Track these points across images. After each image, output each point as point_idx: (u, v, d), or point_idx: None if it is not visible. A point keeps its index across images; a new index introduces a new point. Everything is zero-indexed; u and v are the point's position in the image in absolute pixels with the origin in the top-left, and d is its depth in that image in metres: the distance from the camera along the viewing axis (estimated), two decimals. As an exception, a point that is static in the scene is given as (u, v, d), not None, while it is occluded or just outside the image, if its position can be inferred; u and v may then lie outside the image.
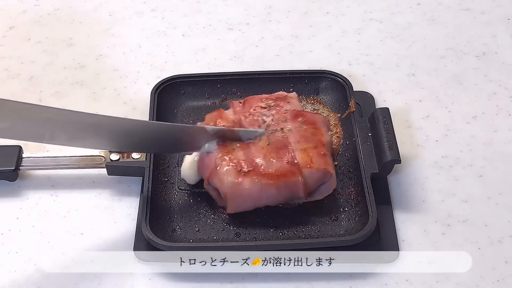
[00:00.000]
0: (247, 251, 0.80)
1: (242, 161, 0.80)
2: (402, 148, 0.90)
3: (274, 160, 0.80)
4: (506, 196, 0.87)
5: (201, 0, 1.16)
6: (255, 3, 1.15)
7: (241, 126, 0.85)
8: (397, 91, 1.00)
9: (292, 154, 0.81)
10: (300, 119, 0.85)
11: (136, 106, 0.98)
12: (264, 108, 0.87)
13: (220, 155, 0.81)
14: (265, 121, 0.85)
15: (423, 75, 1.03)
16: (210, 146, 0.83)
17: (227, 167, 0.80)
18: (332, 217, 0.83)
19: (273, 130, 0.84)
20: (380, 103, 0.98)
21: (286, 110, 0.86)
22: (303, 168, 0.80)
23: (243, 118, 0.86)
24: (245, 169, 0.79)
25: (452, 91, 1.00)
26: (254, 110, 0.87)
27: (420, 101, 0.99)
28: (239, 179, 0.79)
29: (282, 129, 0.84)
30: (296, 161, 0.80)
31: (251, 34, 1.10)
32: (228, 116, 0.87)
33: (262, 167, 0.80)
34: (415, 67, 1.04)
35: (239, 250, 0.80)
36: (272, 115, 0.86)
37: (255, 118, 0.86)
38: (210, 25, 1.11)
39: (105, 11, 1.14)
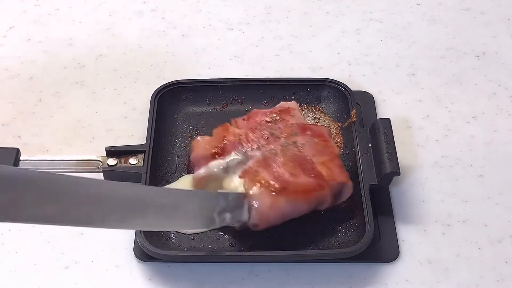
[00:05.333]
0: (242, 262, 0.80)
1: (271, 181, 0.78)
2: (402, 148, 0.90)
3: (302, 175, 0.79)
4: (506, 196, 0.87)
5: (201, 0, 1.16)
6: (255, 3, 1.15)
7: (248, 141, 0.84)
8: (397, 91, 1.00)
9: (317, 168, 0.80)
10: (308, 132, 0.85)
11: (136, 106, 0.98)
12: (270, 122, 0.86)
13: (247, 180, 0.79)
14: (273, 134, 0.84)
15: (423, 75, 1.03)
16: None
17: (260, 191, 0.78)
18: (329, 228, 0.82)
19: (286, 143, 0.83)
20: (380, 103, 0.98)
21: (292, 123, 0.86)
22: (328, 181, 0.80)
23: (250, 133, 0.84)
24: (278, 188, 0.78)
25: (452, 91, 1.00)
26: (260, 125, 0.86)
27: (420, 101, 0.99)
28: (275, 200, 0.77)
29: (295, 142, 0.83)
30: (322, 174, 0.80)
31: (251, 34, 1.10)
32: (234, 131, 0.85)
33: (293, 183, 0.79)
34: (415, 67, 1.04)
35: (234, 261, 0.80)
36: (280, 128, 0.85)
37: (262, 132, 0.84)
38: (210, 25, 1.11)
39: (105, 11, 1.14)
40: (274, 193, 0.77)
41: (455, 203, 0.86)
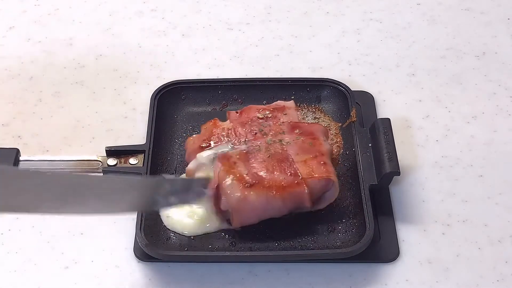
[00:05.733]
0: (242, 262, 0.80)
1: (245, 175, 0.80)
2: (402, 148, 0.90)
3: (277, 173, 0.80)
4: (506, 196, 0.87)
5: (201, 0, 1.16)
6: (255, 3, 1.15)
7: (236, 135, 0.85)
8: (397, 91, 1.00)
9: (295, 165, 0.80)
10: (297, 130, 0.85)
11: (135, 106, 0.98)
12: (261, 118, 0.87)
13: (223, 170, 0.80)
14: (262, 130, 0.85)
15: (423, 75, 1.03)
16: (211, 162, 0.82)
17: (231, 182, 0.79)
18: (329, 228, 0.82)
19: (271, 140, 0.84)
20: (380, 103, 0.98)
21: (282, 122, 0.86)
22: (306, 179, 0.80)
23: (239, 127, 0.85)
24: (250, 183, 0.79)
25: (452, 91, 1.00)
26: (251, 120, 0.86)
27: (420, 101, 0.99)
28: (245, 193, 0.78)
29: (280, 140, 0.84)
30: (299, 172, 0.80)
31: (251, 34, 1.09)
32: (222, 126, 0.86)
33: (266, 180, 0.79)
34: (415, 67, 1.04)
35: (234, 261, 0.80)
36: (269, 126, 0.86)
37: (251, 128, 0.85)
38: (210, 25, 1.11)
39: (105, 11, 1.14)
40: (244, 187, 0.78)
41: (455, 203, 0.86)
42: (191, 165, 0.84)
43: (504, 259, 0.81)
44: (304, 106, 0.95)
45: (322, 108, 0.95)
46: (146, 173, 0.85)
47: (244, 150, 0.83)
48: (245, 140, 0.84)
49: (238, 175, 0.79)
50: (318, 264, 0.80)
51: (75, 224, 0.85)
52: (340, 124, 0.93)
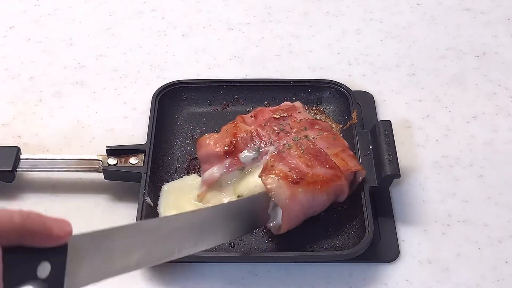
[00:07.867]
0: (241, 262, 0.80)
1: (288, 172, 0.78)
2: (402, 148, 0.90)
3: (318, 167, 0.80)
4: (506, 196, 0.87)
5: (201, 0, 1.16)
6: (255, 3, 1.15)
7: (259, 136, 0.84)
8: (397, 91, 1.00)
9: (331, 159, 0.81)
10: (317, 126, 0.86)
11: (136, 106, 0.98)
12: (278, 119, 0.86)
13: (263, 175, 0.79)
14: (283, 130, 0.85)
15: (423, 75, 1.03)
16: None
17: (277, 182, 0.77)
18: (328, 230, 0.82)
19: (297, 137, 0.83)
20: (380, 103, 0.98)
21: (300, 119, 0.87)
22: (344, 171, 0.80)
23: (260, 129, 0.85)
24: (296, 179, 0.78)
25: (452, 91, 1.00)
26: (268, 121, 0.86)
27: (420, 101, 0.99)
28: (293, 191, 0.77)
29: (306, 136, 0.84)
30: (338, 165, 0.80)
31: (251, 34, 1.10)
32: (244, 128, 0.86)
33: (310, 174, 0.79)
34: (415, 67, 1.04)
35: (234, 261, 0.80)
36: (289, 124, 0.86)
37: (273, 128, 0.85)
38: (210, 25, 1.11)
39: (105, 11, 1.14)
40: (292, 184, 0.77)
41: (455, 203, 0.86)
42: (216, 172, 0.83)
43: (504, 259, 0.81)
44: (305, 107, 0.95)
45: (323, 109, 0.95)
46: (146, 172, 0.85)
47: (274, 151, 0.82)
48: (271, 142, 0.84)
49: (281, 174, 0.78)
50: (318, 264, 0.80)
51: (75, 224, 0.84)
52: (341, 125, 0.93)
